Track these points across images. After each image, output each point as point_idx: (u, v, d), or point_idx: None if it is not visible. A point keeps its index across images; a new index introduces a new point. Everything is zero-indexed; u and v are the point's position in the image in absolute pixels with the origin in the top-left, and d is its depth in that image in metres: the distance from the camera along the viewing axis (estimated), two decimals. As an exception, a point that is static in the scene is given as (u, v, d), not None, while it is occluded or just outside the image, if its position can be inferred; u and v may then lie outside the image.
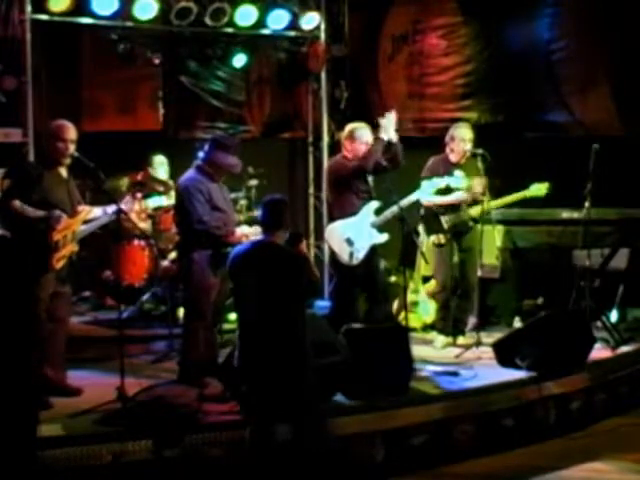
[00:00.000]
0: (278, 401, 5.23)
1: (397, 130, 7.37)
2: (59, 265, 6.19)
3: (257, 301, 5.27)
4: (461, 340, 7.94)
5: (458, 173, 7.78)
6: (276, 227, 5.37)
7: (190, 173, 6.61)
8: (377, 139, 7.33)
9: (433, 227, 7.88)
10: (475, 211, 7.84)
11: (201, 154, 6.65)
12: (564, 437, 6.73)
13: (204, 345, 6.50)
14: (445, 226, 7.84)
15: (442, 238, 7.84)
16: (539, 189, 7.88)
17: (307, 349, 5.33)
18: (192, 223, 6.42)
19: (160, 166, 8.85)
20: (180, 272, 6.77)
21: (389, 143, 7.36)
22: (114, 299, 8.40)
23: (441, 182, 7.65)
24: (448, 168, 7.85)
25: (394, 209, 7.32)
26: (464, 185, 7.73)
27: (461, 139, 7.83)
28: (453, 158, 7.91)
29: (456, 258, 7.97)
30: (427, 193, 7.69)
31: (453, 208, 7.85)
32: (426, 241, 7.95)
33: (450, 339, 7.92)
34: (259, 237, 5.44)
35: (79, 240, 6.40)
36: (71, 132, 6.26)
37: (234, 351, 6.07)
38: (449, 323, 7.95)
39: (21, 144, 8.08)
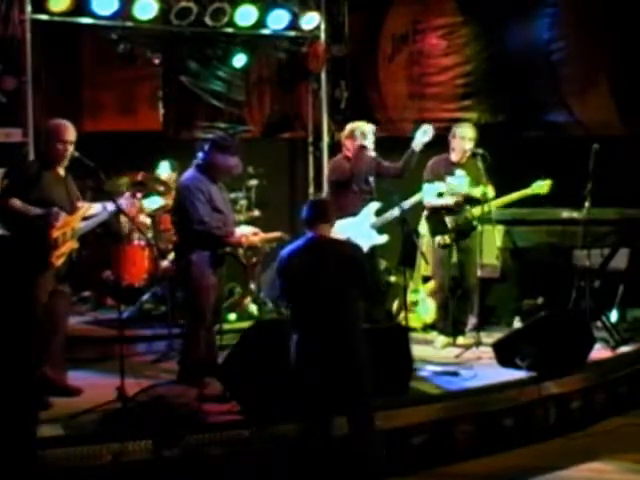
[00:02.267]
0: (341, 394, 5.20)
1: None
2: (59, 262, 6.16)
3: (324, 295, 5.22)
4: (461, 340, 7.93)
5: (459, 172, 7.79)
6: (318, 220, 5.36)
7: (190, 172, 6.59)
8: (361, 147, 7.42)
9: (438, 228, 7.85)
10: (478, 210, 7.83)
11: (201, 154, 6.62)
12: (564, 437, 6.72)
13: (204, 345, 6.50)
14: (449, 226, 7.83)
15: (447, 239, 7.82)
16: (541, 187, 7.86)
17: (365, 342, 5.33)
18: (192, 223, 6.39)
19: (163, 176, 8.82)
20: (178, 273, 6.75)
21: (412, 151, 7.56)
22: (114, 299, 8.39)
23: (443, 187, 7.67)
24: (449, 168, 7.86)
25: (395, 211, 7.33)
26: (465, 187, 7.75)
27: (461, 137, 7.84)
28: (454, 157, 7.91)
29: (455, 258, 7.98)
30: (430, 196, 7.71)
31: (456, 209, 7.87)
32: (427, 241, 7.95)
33: (450, 339, 7.91)
34: (308, 234, 5.37)
35: (79, 238, 6.38)
36: (70, 133, 6.21)
37: (234, 351, 6.10)
38: (449, 323, 7.94)
39: (21, 144, 8.08)
